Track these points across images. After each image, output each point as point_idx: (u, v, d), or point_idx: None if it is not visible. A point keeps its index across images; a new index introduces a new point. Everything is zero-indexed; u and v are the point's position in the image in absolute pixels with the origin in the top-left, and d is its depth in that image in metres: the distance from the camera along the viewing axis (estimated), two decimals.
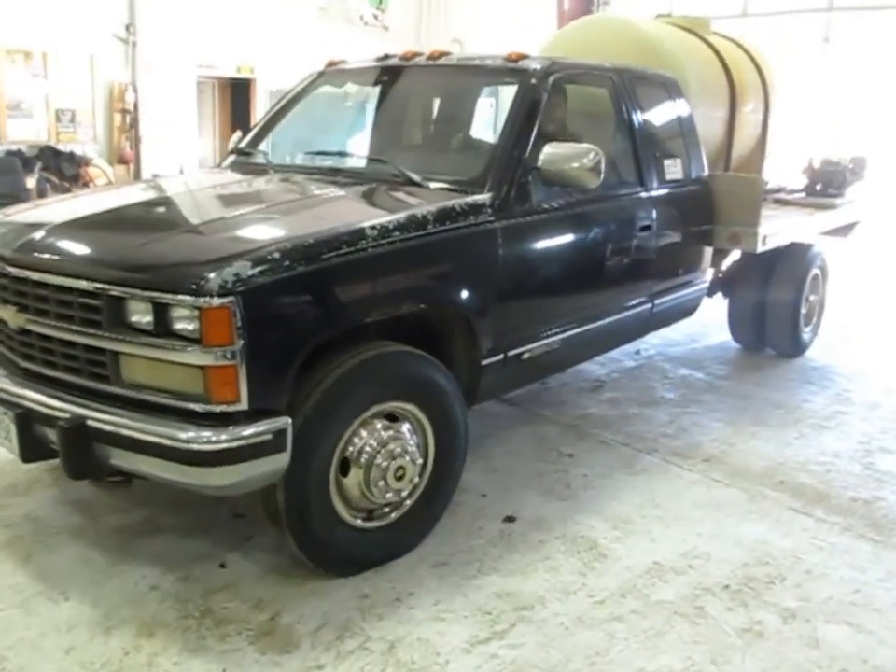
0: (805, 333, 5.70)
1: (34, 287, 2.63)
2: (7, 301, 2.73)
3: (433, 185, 3.31)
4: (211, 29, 11.86)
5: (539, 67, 3.64)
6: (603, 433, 4.27)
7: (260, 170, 3.88)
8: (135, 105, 11.38)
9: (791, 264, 5.39)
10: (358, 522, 2.82)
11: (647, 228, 4.04)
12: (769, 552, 3.16)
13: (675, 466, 3.91)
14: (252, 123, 14.05)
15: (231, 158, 4.20)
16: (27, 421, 2.62)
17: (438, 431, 2.96)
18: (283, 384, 2.46)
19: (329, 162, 3.92)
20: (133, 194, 3.66)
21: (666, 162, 4.28)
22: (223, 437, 2.35)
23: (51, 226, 2.86)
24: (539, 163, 3.27)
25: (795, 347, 5.62)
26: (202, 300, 2.30)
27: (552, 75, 3.65)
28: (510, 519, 3.33)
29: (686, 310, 4.75)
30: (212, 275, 2.32)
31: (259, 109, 12.91)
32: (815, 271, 5.63)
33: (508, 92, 3.64)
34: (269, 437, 2.40)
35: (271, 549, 2.99)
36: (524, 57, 3.74)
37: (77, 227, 2.90)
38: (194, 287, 2.31)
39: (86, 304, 2.50)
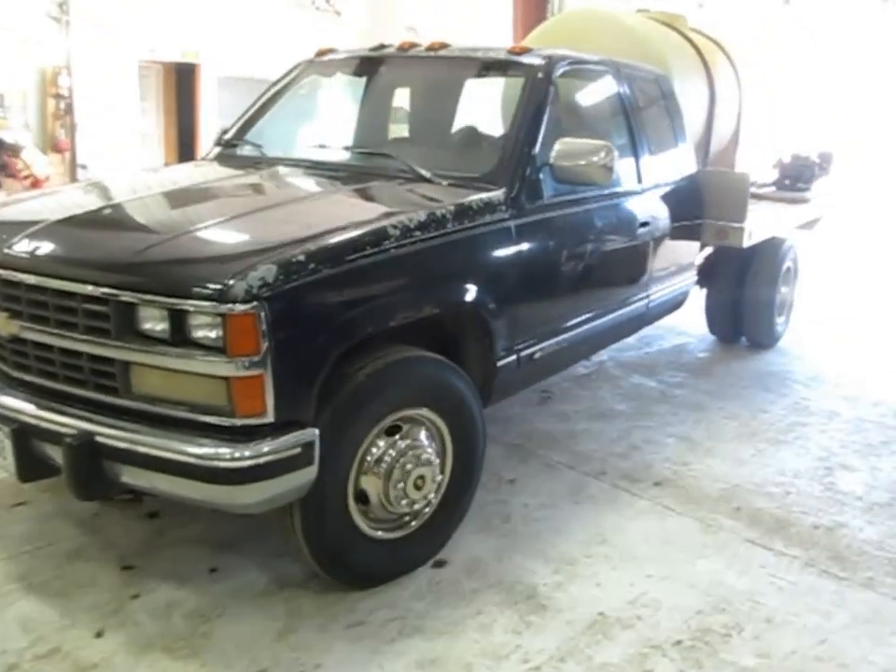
0: (779, 325, 5.78)
1: (29, 291, 2.42)
2: None
3: (444, 181, 3.17)
4: (153, 10, 11.27)
5: (545, 61, 3.55)
6: (549, 454, 3.94)
7: (255, 163, 3.64)
8: (70, 91, 10.75)
9: (766, 257, 5.44)
10: (379, 533, 2.70)
11: (645, 224, 4.02)
12: (726, 595, 2.85)
13: (624, 491, 3.59)
14: (198, 111, 13.69)
15: (217, 150, 3.97)
16: (25, 437, 2.42)
17: (456, 436, 2.85)
18: (309, 394, 2.31)
19: (328, 156, 3.76)
20: (125, 189, 3.36)
21: (661, 158, 4.26)
22: (252, 453, 2.20)
23: (46, 224, 2.64)
24: (551, 159, 3.18)
25: (769, 338, 5.72)
26: (226, 306, 2.14)
27: (558, 68, 3.56)
28: (440, 564, 2.98)
29: (677, 303, 4.77)
30: (236, 280, 2.16)
31: (206, 97, 12.36)
32: (788, 263, 5.71)
33: (512, 86, 3.56)
34: (298, 450, 2.27)
35: (159, 610, 2.60)
36: (527, 50, 3.65)
37: (76, 225, 2.70)
38: (217, 292, 2.15)
39: (92, 311, 2.31)
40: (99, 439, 2.29)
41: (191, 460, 2.20)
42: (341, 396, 2.42)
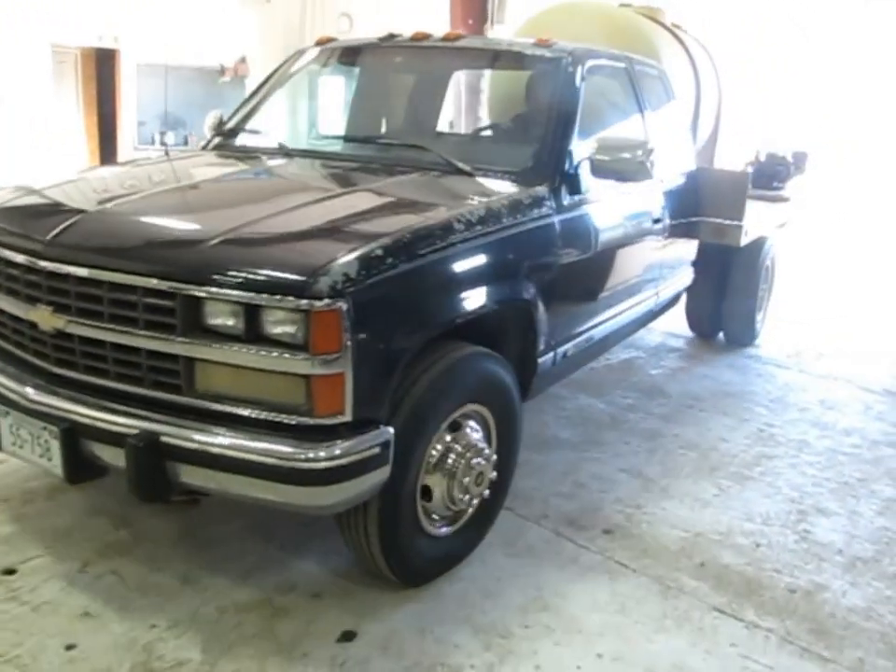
0: (758, 322, 5.82)
1: (79, 284, 2.29)
2: (38, 301, 2.38)
3: (482, 174, 3.13)
4: None
5: (576, 54, 3.53)
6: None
7: (278, 155, 3.50)
8: None
9: (748, 254, 5.37)
10: (443, 530, 2.70)
11: (658, 220, 4.04)
12: None
13: (568, 541, 3.04)
14: (117, 100, 12.87)
15: (218, 140, 3.78)
16: (74, 437, 2.31)
17: (500, 432, 2.85)
18: (385, 392, 2.27)
19: (353, 149, 3.73)
20: (150, 178, 3.20)
21: (669, 154, 4.17)
22: (336, 453, 2.13)
23: (91, 212, 2.52)
24: (591, 154, 3.16)
25: (749, 334, 5.74)
26: (309, 302, 2.05)
27: (587, 61, 3.54)
28: (348, 636, 2.41)
29: (677, 297, 4.88)
30: (320, 274, 2.08)
31: (126, 84, 11.50)
32: (768, 262, 5.74)
33: (543, 79, 3.56)
34: (377, 450, 2.22)
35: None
36: (552, 43, 3.59)
37: (125, 213, 2.56)
38: (300, 287, 2.06)
39: (154, 305, 2.19)
40: (165, 439, 2.18)
41: (272, 461, 2.11)
42: (417, 392, 2.39)
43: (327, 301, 2.06)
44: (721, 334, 5.80)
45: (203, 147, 3.85)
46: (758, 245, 5.42)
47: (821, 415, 4.56)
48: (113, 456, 2.25)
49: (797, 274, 7.84)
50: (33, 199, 2.84)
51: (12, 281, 2.48)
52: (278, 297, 2.07)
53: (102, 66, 12.24)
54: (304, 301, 2.05)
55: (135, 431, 2.20)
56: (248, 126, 3.79)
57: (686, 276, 4.86)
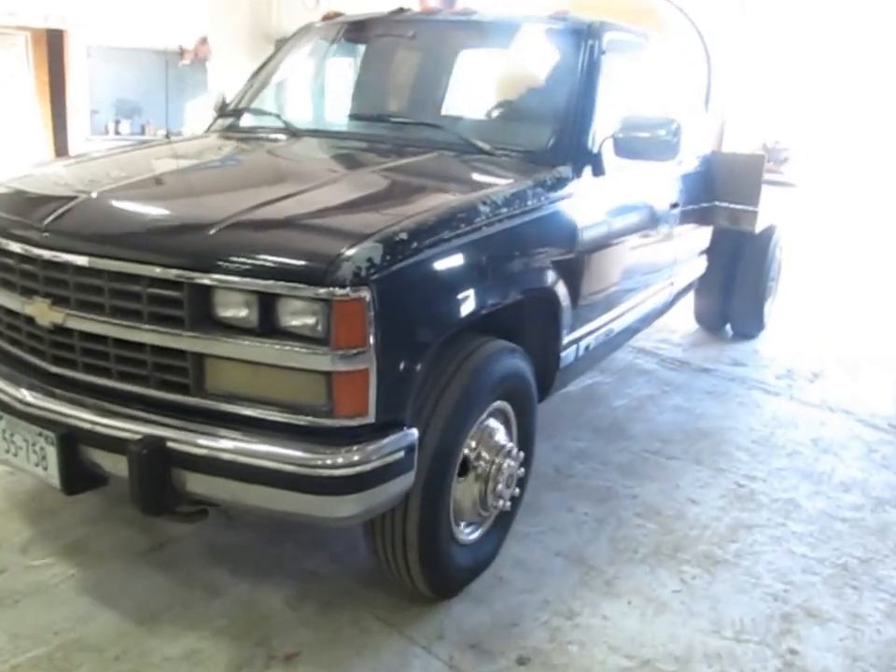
0: (766, 313, 5.62)
1: (79, 274, 2.10)
2: (35, 293, 2.18)
3: (502, 154, 2.96)
4: None
5: (593, 27, 3.31)
6: (363, 592, 2.54)
7: (285, 135, 3.31)
8: None
9: (758, 242, 5.14)
10: (471, 536, 2.55)
11: (676, 205, 3.88)
12: None
13: None
14: (66, 86, 11.98)
15: (223, 121, 3.61)
16: (72, 443, 2.10)
17: (521, 425, 2.70)
18: (410, 390, 2.07)
19: (366, 128, 3.48)
20: (154, 162, 3.03)
21: (688, 135, 3.63)
22: (359, 458, 1.93)
23: (90, 197, 2.31)
24: (614, 133, 2.99)
25: (757, 325, 5.57)
26: (331, 291, 1.85)
27: (605, 35, 3.31)
28: None
29: (690, 287, 4.70)
30: (342, 260, 1.89)
31: (76, 69, 10.59)
32: (777, 250, 5.53)
33: (561, 53, 3.35)
34: (402, 454, 2.03)
35: None
36: (568, 15, 3.41)
37: (127, 198, 2.38)
38: (320, 274, 1.87)
39: (160, 296, 1.99)
40: (171, 444, 1.99)
41: (289, 468, 1.92)
42: (453, 390, 2.24)
43: (349, 289, 1.88)
44: (727, 326, 5.62)
45: (207, 130, 3.66)
46: (768, 232, 5.17)
47: (814, 462, 3.75)
48: (114, 464, 2.06)
49: (800, 269, 7.14)
50: (24, 183, 2.64)
51: (6, 272, 2.27)
52: (296, 285, 1.88)
53: (52, 49, 11.32)
54: (325, 290, 1.86)
55: (139, 436, 2.01)
56: (253, 106, 3.59)
57: (700, 265, 4.70)
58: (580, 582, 2.69)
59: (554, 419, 3.97)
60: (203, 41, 11.61)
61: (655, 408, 4.29)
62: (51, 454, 2.12)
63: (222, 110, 3.67)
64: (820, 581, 2.81)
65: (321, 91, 4.15)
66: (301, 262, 1.92)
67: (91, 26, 10.53)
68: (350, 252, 1.92)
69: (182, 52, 11.44)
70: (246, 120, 3.57)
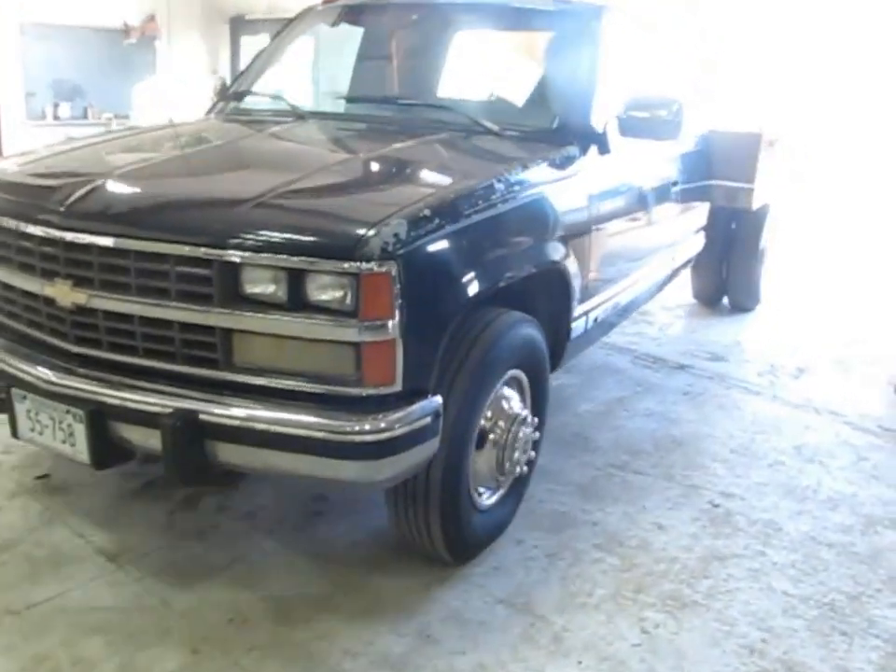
0: (761, 287, 5.71)
1: (103, 255, 2.14)
2: (56, 275, 2.21)
3: (510, 134, 3.01)
4: None
5: (595, 6, 3.45)
6: (242, 661, 2.15)
7: (291, 118, 3.30)
8: None
9: (752, 218, 5.25)
10: (488, 502, 2.63)
11: (676, 182, 4.01)
12: None
13: None
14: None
15: (225, 105, 3.62)
16: (101, 419, 2.16)
17: (534, 392, 2.76)
18: (434, 360, 2.16)
19: (373, 109, 3.53)
20: (170, 141, 3.01)
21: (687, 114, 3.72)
22: (389, 424, 2.01)
23: (112, 176, 2.36)
24: (620, 112, 3.09)
25: (754, 298, 5.67)
26: (359, 265, 1.92)
27: (608, 14, 3.42)
28: None
29: (688, 263, 4.82)
30: (371, 235, 1.96)
31: (8, 47, 9.99)
32: (768, 224, 5.55)
33: (564, 34, 3.44)
34: (428, 420, 2.11)
35: None
36: None
37: (150, 176, 2.46)
38: (349, 249, 1.94)
39: (188, 274, 2.04)
40: (203, 417, 2.05)
41: (323, 435, 1.99)
42: (472, 360, 2.31)
43: (377, 263, 1.94)
44: (725, 299, 5.73)
45: (208, 112, 3.66)
46: (763, 209, 5.23)
47: (798, 474, 3.37)
48: (145, 438, 2.13)
49: (790, 256, 6.87)
50: (35, 168, 2.68)
51: (24, 254, 2.31)
52: (325, 260, 1.95)
53: None
54: (353, 265, 1.93)
55: (170, 410, 2.06)
56: (256, 89, 3.62)
57: (698, 241, 4.81)
58: (523, 637, 2.31)
59: None
60: (151, 18, 11.06)
61: (625, 413, 3.90)
62: (79, 430, 2.18)
63: (223, 94, 3.70)
64: (804, 626, 2.43)
65: (325, 73, 4.33)
66: (331, 239, 2.00)
67: (25, 2, 9.93)
68: (377, 228, 1.98)
69: (127, 30, 10.85)
70: (248, 104, 3.60)
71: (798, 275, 6.80)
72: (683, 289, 5.87)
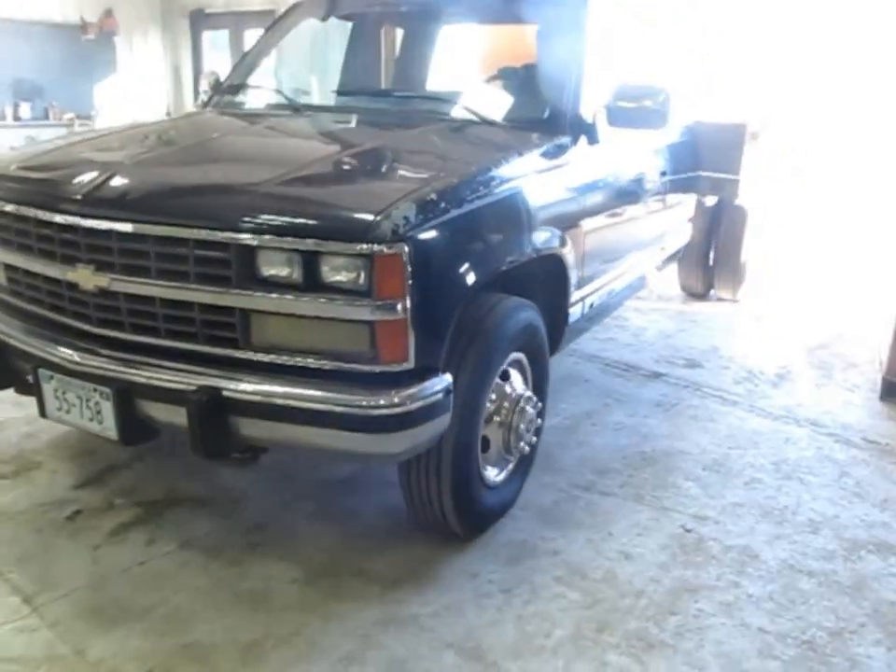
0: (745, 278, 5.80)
1: (123, 240, 2.22)
2: (78, 260, 2.30)
3: (504, 124, 3.14)
4: None
5: None
6: None
7: (287, 111, 3.39)
8: None
9: (737, 211, 5.37)
10: (496, 479, 2.72)
11: (664, 173, 4.06)
12: None
13: None
14: None
15: (218, 98, 3.68)
16: (129, 397, 2.25)
17: (535, 375, 2.87)
18: (443, 338, 2.25)
19: (369, 102, 3.65)
20: (177, 133, 3.15)
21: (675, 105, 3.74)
22: (405, 399, 2.09)
23: (128, 163, 2.50)
24: (609, 101, 3.12)
25: (738, 288, 5.72)
26: (373, 247, 2.00)
27: (598, 5, 3.41)
28: None
29: (676, 254, 4.87)
30: (382, 218, 2.04)
31: None
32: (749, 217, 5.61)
33: (551, 23, 3.47)
34: (440, 396, 2.20)
35: None
36: None
37: (165, 164, 2.57)
38: (363, 231, 2.02)
39: (206, 257, 2.13)
40: (227, 393, 2.13)
41: (343, 409, 2.07)
42: (480, 340, 2.41)
43: (390, 244, 2.01)
44: (712, 291, 5.82)
45: (204, 106, 3.72)
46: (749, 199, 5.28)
47: (776, 493, 3.16)
48: (170, 415, 2.21)
49: (773, 254, 6.73)
50: (49, 158, 2.75)
51: (45, 242, 2.39)
52: (339, 243, 2.02)
53: None
54: (367, 246, 2.00)
55: (194, 388, 2.14)
56: (249, 83, 3.68)
57: (686, 232, 4.90)
58: None
59: None
60: (109, 14, 10.73)
61: (593, 427, 3.68)
62: (107, 408, 2.26)
63: (217, 88, 3.74)
64: (780, 667, 2.21)
65: (317, 67, 4.45)
66: (344, 222, 2.06)
67: None
68: (387, 211, 2.05)
69: (84, 26, 10.51)
70: (242, 98, 3.68)
71: (783, 272, 6.65)
72: (660, 290, 5.68)
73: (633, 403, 3.97)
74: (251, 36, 12.13)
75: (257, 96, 3.66)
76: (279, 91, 3.51)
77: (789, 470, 3.34)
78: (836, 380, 4.41)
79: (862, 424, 3.84)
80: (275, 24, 3.95)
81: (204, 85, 3.86)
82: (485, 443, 2.62)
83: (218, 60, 12.28)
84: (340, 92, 3.97)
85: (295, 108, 3.40)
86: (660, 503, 3.03)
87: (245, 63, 3.84)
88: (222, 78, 3.82)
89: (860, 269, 6.83)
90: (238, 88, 3.69)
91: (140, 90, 10.97)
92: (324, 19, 4.04)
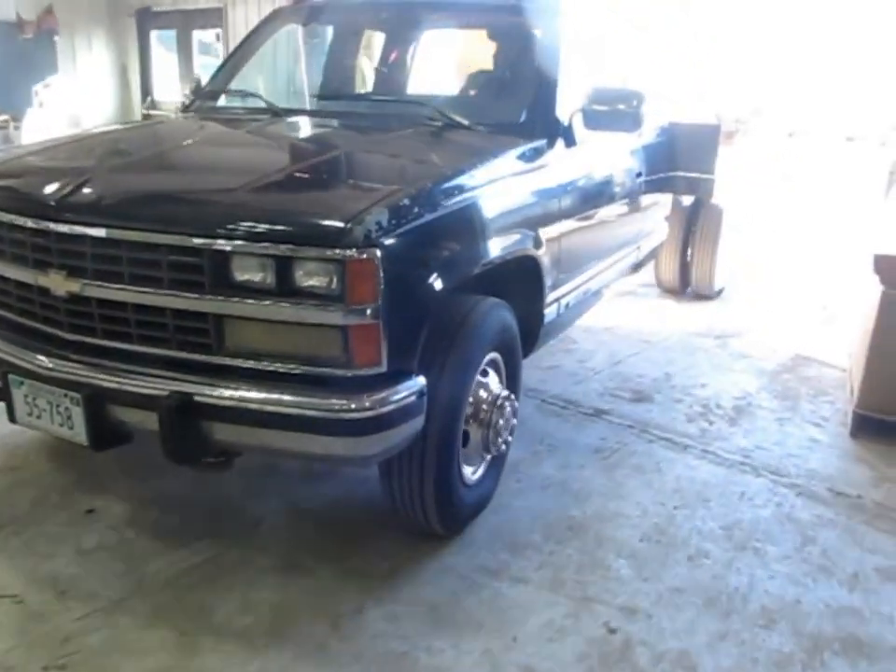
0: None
1: (96, 245, 2.22)
2: (49, 266, 2.29)
3: (480, 128, 3.08)
4: None
5: (558, 2, 3.49)
6: None
7: (266, 115, 3.37)
8: None
9: (712, 210, 5.51)
10: (474, 477, 2.75)
11: (640, 174, 4.11)
12: None
13: None
14: None
15: (201, 103, 3.69)
16: (99, 403, 2.25)
17: (509, 375, 2.88)
18: (416, 342, 2.27)
19: (346, 106, 3.74)
20: (151, 137, 3.22)
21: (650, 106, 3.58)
22: (376, 402, 2.11)
23: (101, 168, 2.55)
24: (583, 105, 3.14)
25: (713, 287, 5.75)
26: (345, 252, 2.02)
27: (571, 9, 3.51)
28: None
29: (653, 253, 4.93)
30: (354, 224, 2.06)
31: None
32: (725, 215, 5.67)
33: (524, 28, 3.46)
34: (413, 399, 2.23)
35: None
36: None
37: (138, 169, 2.62)
38: (335, 236, 2.03)
39: (179, 263, 2.13)
40: (198, 398, 2.13)
41: (315, 413, 2.10)
42: (459, 342, 2.44)
43: (363, 249, 2.03)
44: (689, 289, 5.83)
45: (184, 111, 3.72)
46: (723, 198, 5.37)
47: (725, 571, 2.61)
48: (141, 420, 2.20)
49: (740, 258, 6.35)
50: (23, 163, 2.78)
51: (17, 246, 2.38)
52: (312, 248, 2.03)
53: None
54: (339, 251, 2.01)
55: (166, 393, 2.13)
56: (230, 87, 3.73)
57: (662, 231, 4.94)
58: None
59: (363, 522, 2.80)
60: (49, 11, 10.18)
61: (517, 485, 3.12)
62: (77, 413, 2.24)
63: (198, 92, 3.76)
64: None
65: (296, 71, 4.42)
66: (317, 227, 2.07)
67: None
68: (360, 217, 2.06)
69: (21, 24, 9.94)
70: (224, 102, 3.71)
71: (758, 279, 6.21)
72: (612, 307, 5.15)
73: (567, 450, 3.41)
74: (199, 36, 11.57)
75: (237, 100, 3.73)
76: (257, 96, 3.50)
77: (742, 538, 2.79)
78: (802, 412, 3.88)
79: (830, 469, 3.31)
80: (256, 29, 3.97)
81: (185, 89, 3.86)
82: (465, 441, 2.61)
83: (167, 60, 11.78)
84: (318, 96, 4.05)
85: (274, 112, 3.38)
86: (583, 591, 2.48)
87: (226, 68, 3.86)
88: (203, 82, 3.87)
89: (838, 278, 6.34)
90: (218, 92, 3.73)
91: (83, 90, 10.43)
92: (305, 24, 4.13)
